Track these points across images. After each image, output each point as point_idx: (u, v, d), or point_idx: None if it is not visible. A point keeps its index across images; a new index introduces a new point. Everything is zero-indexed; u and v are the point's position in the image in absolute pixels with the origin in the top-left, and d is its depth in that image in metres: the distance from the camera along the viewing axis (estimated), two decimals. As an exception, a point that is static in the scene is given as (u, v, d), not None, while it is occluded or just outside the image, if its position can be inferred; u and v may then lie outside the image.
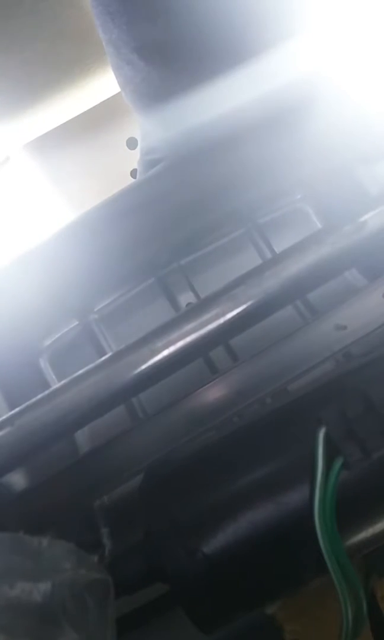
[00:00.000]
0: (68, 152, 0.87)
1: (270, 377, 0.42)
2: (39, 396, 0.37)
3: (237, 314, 0.36)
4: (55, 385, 0.38)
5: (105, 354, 0.42)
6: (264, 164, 0.50)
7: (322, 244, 0.36)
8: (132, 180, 0.78)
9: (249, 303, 0.36)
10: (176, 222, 0.52)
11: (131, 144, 0.86)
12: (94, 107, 0.87)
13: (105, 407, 0.37)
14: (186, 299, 0.54)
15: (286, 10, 0.46)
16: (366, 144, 0.48)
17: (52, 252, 0.52)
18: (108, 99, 0.87)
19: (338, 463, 0.33)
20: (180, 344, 0.36)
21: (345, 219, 0.36)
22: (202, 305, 0.37)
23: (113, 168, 0.85)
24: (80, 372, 0.37)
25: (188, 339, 0.36)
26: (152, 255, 0.54)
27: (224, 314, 0.36)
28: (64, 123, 0.88)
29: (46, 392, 0.37)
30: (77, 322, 0.56)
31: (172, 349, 0.36)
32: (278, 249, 0.54)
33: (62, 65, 0.78)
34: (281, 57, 0.47)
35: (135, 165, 0.63)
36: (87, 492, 0.42)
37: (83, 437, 0.49)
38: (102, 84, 0.84)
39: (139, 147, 0.59)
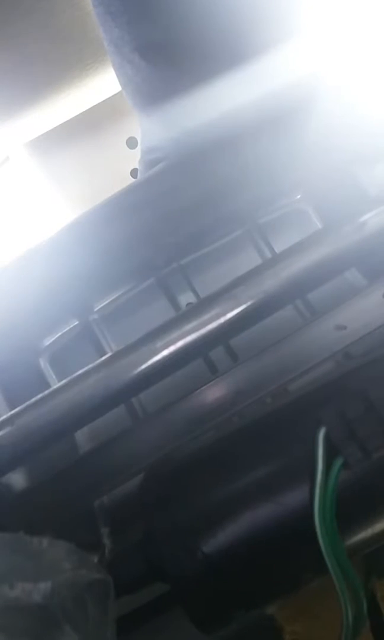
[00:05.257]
0: (68, 151, 0.87)
1: (270, 377, 0.42)
2: (39, 396, 0.37)
3: (237, 314, 0.36)
4: (55, 385, 0.38)
5: (105, 354, 0.41)
6: (264, 164, 0.50)
7: (322, 244, 0.36)
8: (132, 180, 0.78)
9: (249, 303, 0.36)
10: (176, 222, 0.52)
11: (131, 143, 0.86)
12: (94, 106, 0.87)
13: (105, 407, 0.37)
14: (186, 299, 0.54)
15: (285, 11, 0.46)
16: (366, 144, 0.48)
17: (52, 252, 0.52)
18: (108, 98, 0.86)
19: (338, 463, 0.33)
20: (180, 344, 0.36)
21: (345, 219, 0.36)
22: (202, 305, 0.37)
23: (113, 168, 0.85)
24: (80, 372, 0.37)
25: (188, 339, 0.36)
26: (152, 255, 0.54)
27: (224, 314, 0.36)
28: (64, 122, 0.87)
29: (46, 392, 0.37)
30: (77, 322, 0.56)
31: (172, 349, 0.36)
32: (278, 249, 0.54)
33: (62, 64, 0.78)
34: (281, 58, 0.47)
35: (135, 165, 0.62)
36: (87, 492, 0.42)
37: (83, 437, 0.49)
38: (103, 84, 0.84)
39: (139, 146, 0.59)
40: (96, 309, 0.56)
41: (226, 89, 0.48)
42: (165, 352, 0.36)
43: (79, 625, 0.30)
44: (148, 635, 0.42)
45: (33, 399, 0.37)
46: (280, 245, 0.54)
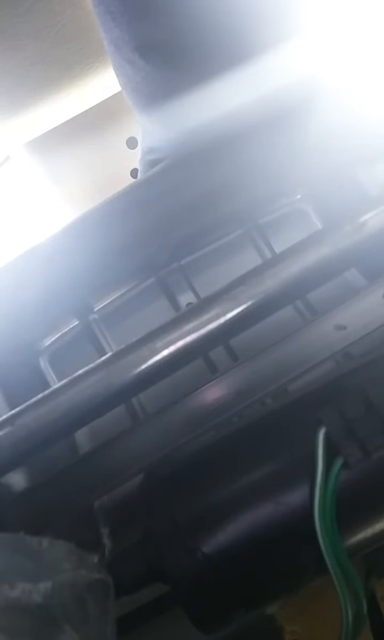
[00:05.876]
0: (68, 151, 0.87)
1: (270, 377, 0.42)
2: (39, 396, 0.37)
3: (237, 314, 0.36)
4: (55, 385, 0.38)
5: (105, 354, 0.41)
6: (264, 164, 0.50)
7: (322, 244, 0.36)
8: (132, 180, 0.78)
9: (249, 303, 0.36)
10: (176, 221, 0.52)
11: (131, 143, 0.86)
12: (94, 106, 0.87)
13: (105, 407, 0.37)
14: (186, 299, 0.54)
15: (286, 11, 0.46)
16: (366, 145, 0.48)
17: (52, 252, 0.52)
18: (108, 98, 0.86)
19: (338, 463, 0.33)
20: (180, 344, 0.36)
21: (345, 219, 0.36)
22: (202, 305, 0.37)
23: (113, 168, 0.85)
24: (80, 372, 0.37)
25: (188, 339, 0.36)
26: (152, 255, 0.54)
27: (224, 314, 0.36)
28: (64, 122, 0.87)
29: (46, 392, 0.37)
30: (77, 322, 0.56)
31: (172, 349, 0.36)
32: (278, 249, 0.54)
33: (62, 64, 0.78)
34: (281, 57, 0.47)
35: (135, 165, 0.62)
36: (87, 492, 0.42)
37: (83, 437, 0.49)
38: (103, 84, 0.84)
39: (139, 146, 0.59)
40: (96, 309, 0.56)
41: (225, 89, 0.48)
42: (165, 352, 0.36)
43: (79, 625, 0.30)
44: (148, 635, 0.42)
45: (33, 399, 0.37)
46: (280, 245, 0.54)
